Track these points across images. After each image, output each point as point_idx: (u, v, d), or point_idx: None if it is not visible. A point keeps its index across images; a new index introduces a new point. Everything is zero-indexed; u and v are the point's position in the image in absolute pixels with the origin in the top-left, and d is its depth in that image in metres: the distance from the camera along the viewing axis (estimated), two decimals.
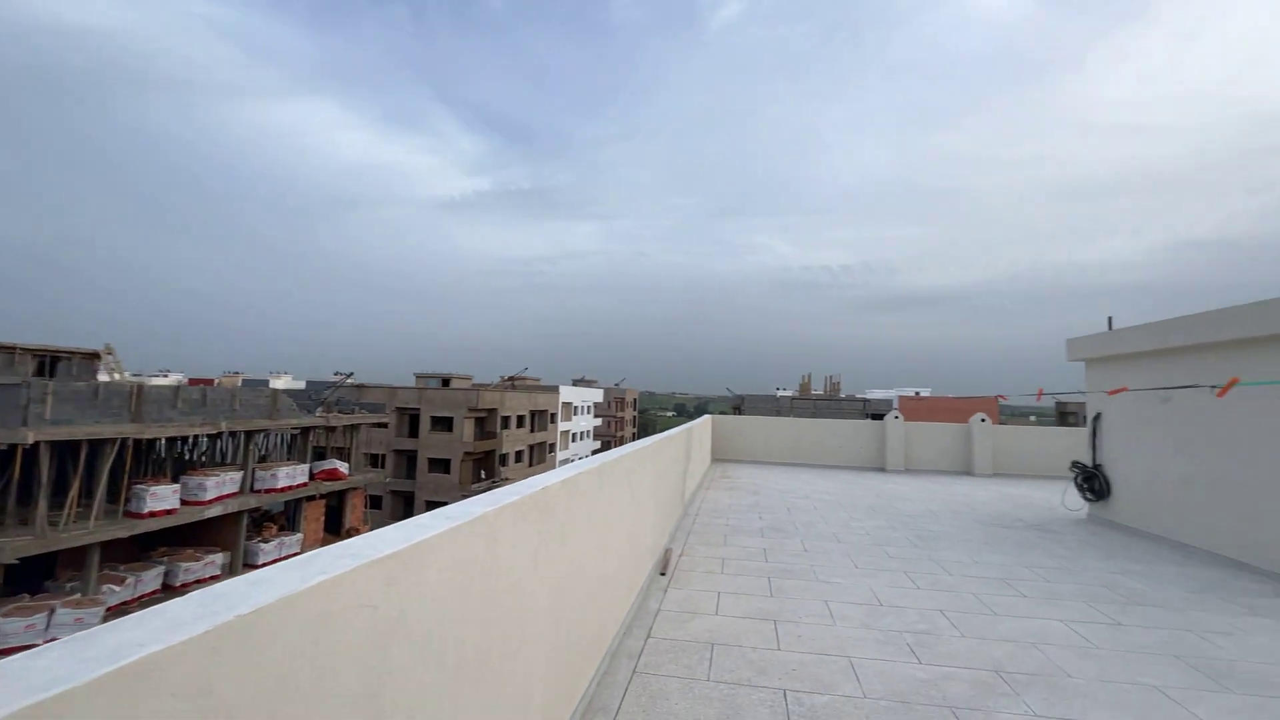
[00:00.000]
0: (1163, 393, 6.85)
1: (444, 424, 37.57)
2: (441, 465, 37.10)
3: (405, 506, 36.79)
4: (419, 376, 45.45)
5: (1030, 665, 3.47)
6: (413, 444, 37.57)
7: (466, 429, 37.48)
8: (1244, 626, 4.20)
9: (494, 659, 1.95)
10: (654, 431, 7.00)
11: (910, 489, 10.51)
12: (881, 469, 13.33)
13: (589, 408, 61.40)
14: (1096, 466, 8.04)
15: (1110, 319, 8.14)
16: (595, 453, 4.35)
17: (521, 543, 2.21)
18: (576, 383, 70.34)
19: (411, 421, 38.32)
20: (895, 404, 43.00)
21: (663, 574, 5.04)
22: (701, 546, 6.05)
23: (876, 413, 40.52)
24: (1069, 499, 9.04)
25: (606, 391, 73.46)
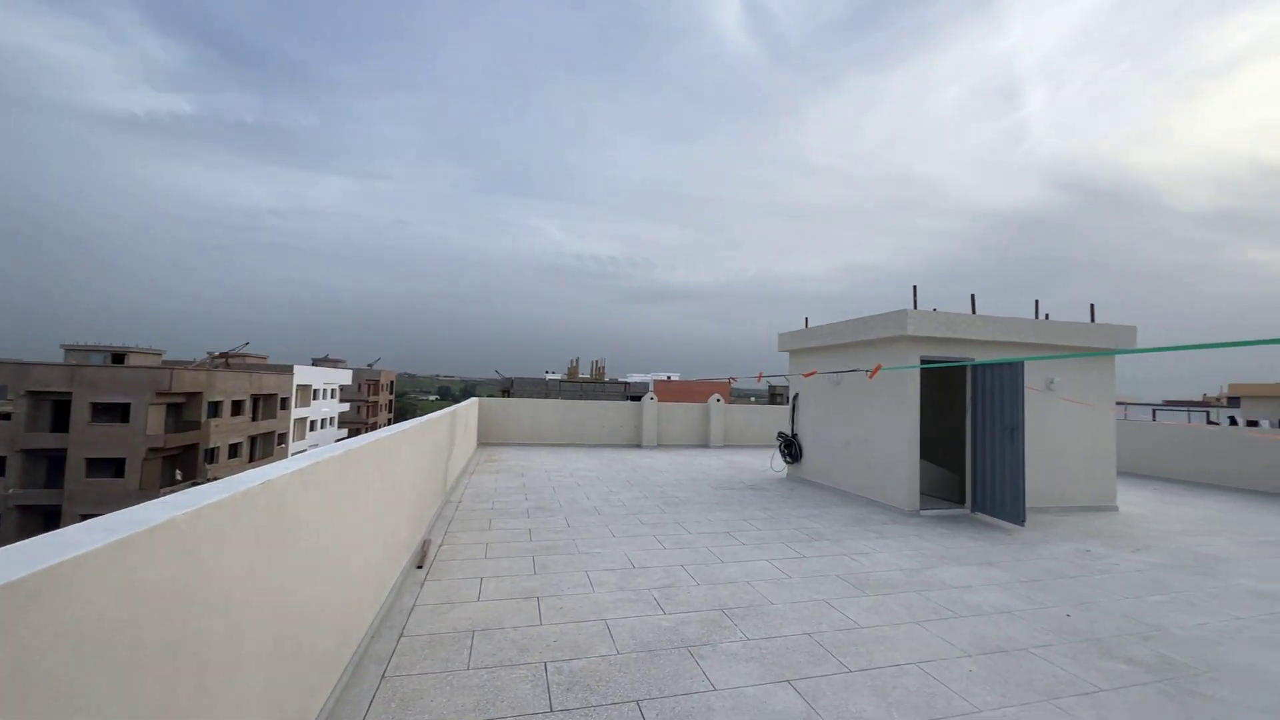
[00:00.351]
0: (834, 376, 8.96)
1: (115, 412, 28.67)
2: (110, 466, 28.32)
3: (47, 525, 27.11)
4: (70, 350, 33.82)
5: (745, 600, 4.21)
6: (58, 440, 27.82)
7: (153, 418, 29.24)
8: (876, 547, 5.77)
9: (182, 701, 1.54)
10: (414, 416, 6.44)
11: (661, 462, 11.78)
12: (639, 446, 14.63)
13: (334, 391, 53.66)
14: (794, 435, 10.15)
15: (807, 319, 10.31)
16: (342, 441, 3.78)
17: (232, 552, 1.79)
18: (318, 362, 60.76)
19: (58, 409, 28.32)
20: (651, 387, 47.72)
21: (420, 567, 4.69)
22: (464, 533, 5.81)
23: (635, 395, 44.35)
24: (775, 463, 11.23)
25: (357, 373, 65.18)
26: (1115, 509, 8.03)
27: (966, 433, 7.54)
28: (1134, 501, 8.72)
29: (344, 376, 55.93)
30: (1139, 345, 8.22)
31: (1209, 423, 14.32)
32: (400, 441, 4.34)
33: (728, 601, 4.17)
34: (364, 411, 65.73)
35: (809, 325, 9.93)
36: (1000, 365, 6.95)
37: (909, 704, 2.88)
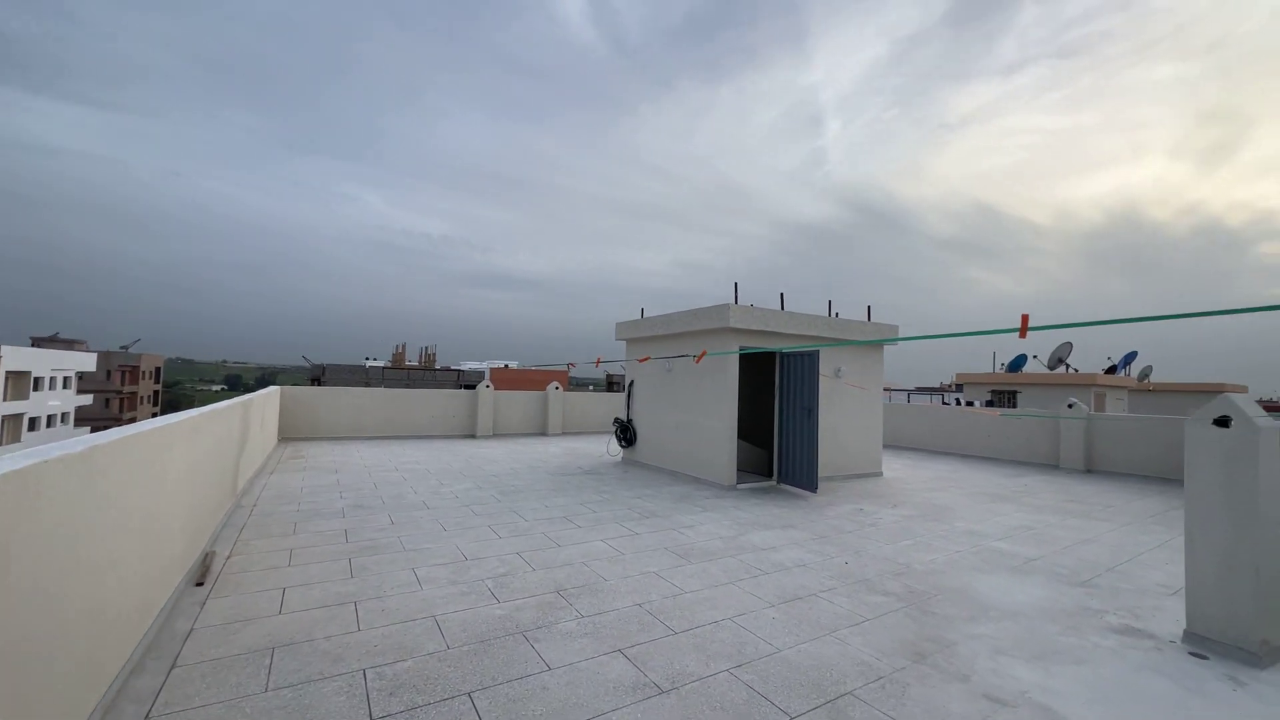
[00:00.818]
0: (666, 363, 9.54)
1: None
2: None
3: None
4: None
5: (580, 580, 4.30)
6: None
7: None
8: (700, 520, 6.30)
9: None
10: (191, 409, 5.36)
11: (498, 452, 11.44)
12: (473, 436, 14.01)
13: (68, 380, 42.31)
14: (629, 421, 10.59)
15: (643, 310, 10.80)
16: (84, 438, 3.05)
17: None
18: (41, 342, 47.43)
19: None
20: (487, 375, 45.93)
21: (200, 584, 3.95)
22: (261, 540, 5.03)
23: (469, 383, 42.32)
24: (611, 448, 11.60)
25: (105, 357, 52.32)
26: (881, 474, 9.82)
27: (775, 414, 8.59)
28: (894, 467, 10.75)
29: (83, 361, 44.33)
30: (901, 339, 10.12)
31: (943, 404, 18.19)
32: (170, 436, 3.60)
33: (564, 583, 4.22)
34: (117, 405, 53.04)
35: (644, 316, 10.41)
36: (802, 354, 8.03)
37: (724, 654, 3.22)
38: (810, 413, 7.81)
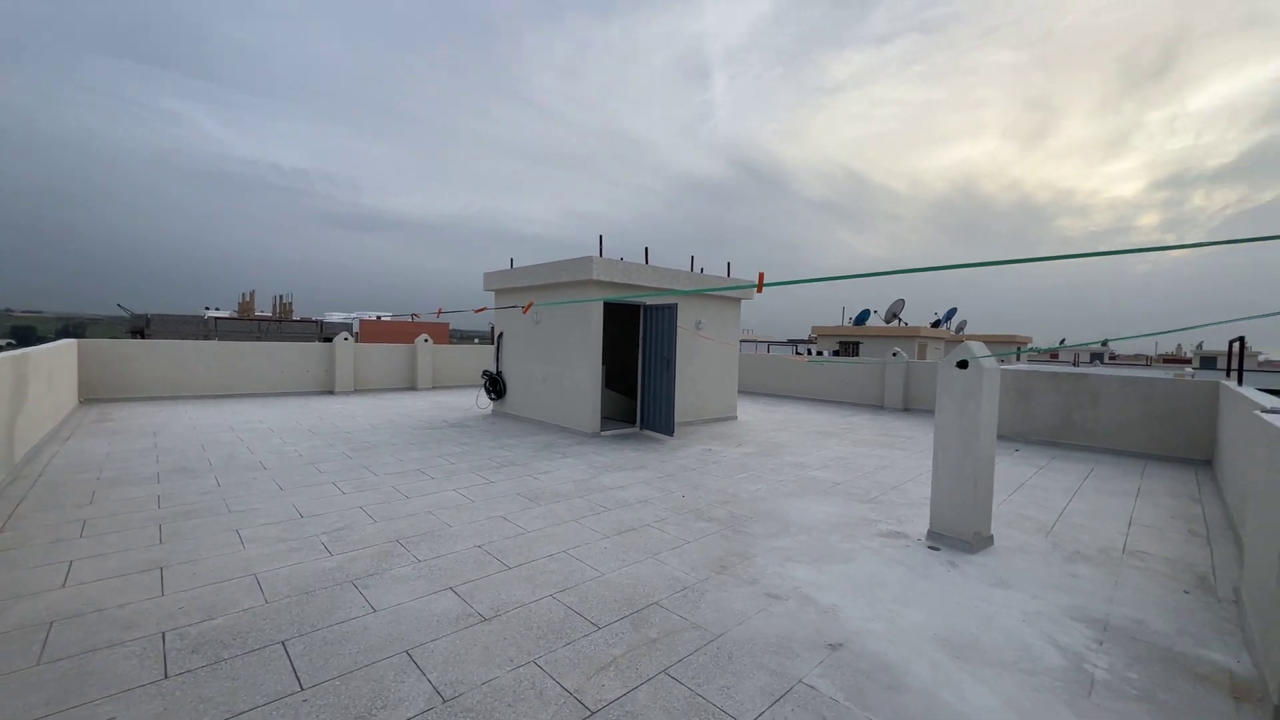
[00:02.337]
0: (535, 315, 9.53)
1: None
2: None
3: None
4: None
5: (424, 528, 4.36)
6: None
7: None
8: (558, 466, 6.56)
9: None
10: None
11: (356, 408, 10.82)
12: (331, 392, 13.07)
13: None
14: (499, 373, 10.49)
15: (512, 260, 10.56)
16: None
17: None
18: None
19: None
20: (356, 327, 42.34)
21: None
22: (45, 513, 4.45)
23: (331, 336, 38.85)
24: (481, 400, 11.47)
25: None
26: (735, 418, 10.75)
27: (638, 364, 8.99)
28: (748, 411, 11.82)
29: None
30: (761, 295, 10.93)
31: (796, 354, 20.06)
32: None
33: (405, 533, 4.25)
34: None
35: (514, 266, 10.20)
36: (661, 306, 8.42)
37: (552, 581, 3.50)
38: (669, 363, 8.29)
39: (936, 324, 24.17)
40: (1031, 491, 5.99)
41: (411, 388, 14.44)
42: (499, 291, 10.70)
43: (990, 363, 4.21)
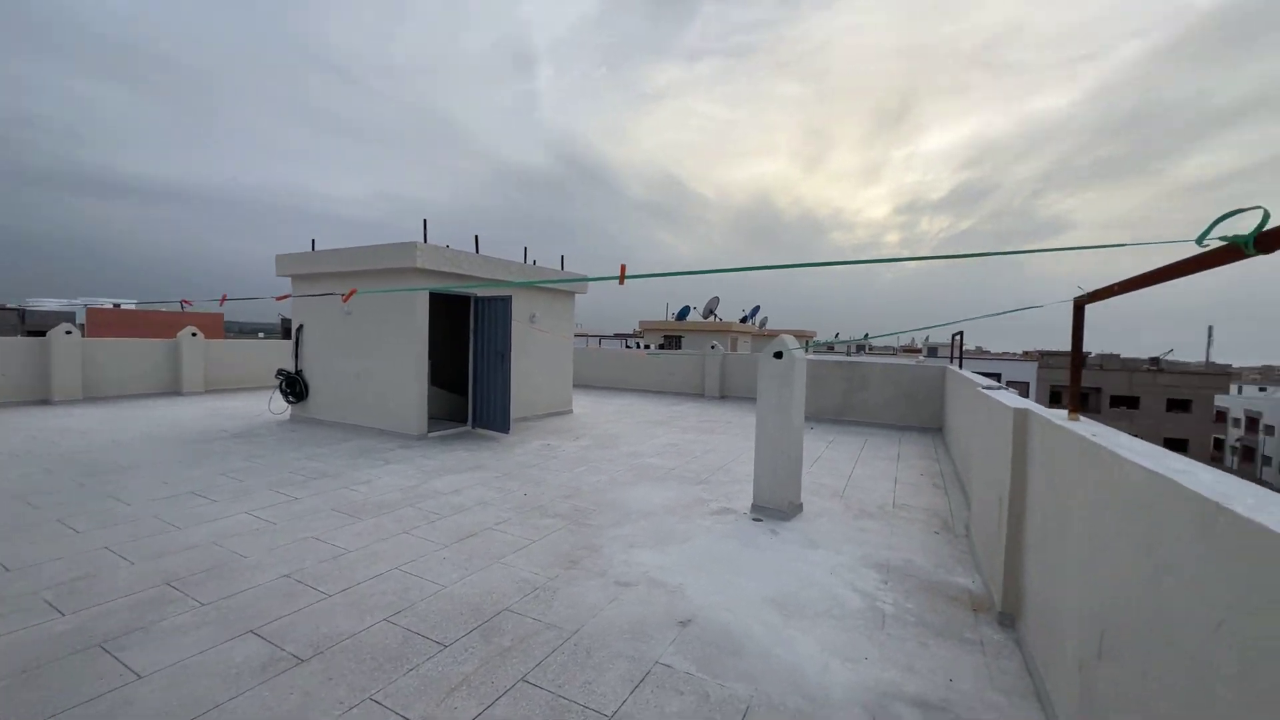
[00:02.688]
0: (346, 305, 8.42)
1: None
2: None
3: None
4: None
5: (207, 563, 3.57)
6: None
7: None
8: (380, 474, 5.89)
9: None
10: None
11: (90, 421, 8.45)
12: (46, 401, 10.02)
13: None
14: (298, 372, 9.06)
15: (314, 241, 9.17)
16: None
17: None
18: None
19: None
20: (80, 317, 33.04)
21: None
22: None
23: (44, 328, 30.02)
24: (275, 404, 9.81)
25: None
26: (571, 412, 10.79)
27: (469, 359, 8.49)
28: (582, 404, 11.94)
29: None
30: (589, 289, 11.07)
31: (625, 347, 20.88)
32: None
33: (179, 572, 3.43)
34: None
35: (316, 249, 8.88)
36: (495, 298, 8.06)
37: (384, 604, 3.12)
38: (503, 357, 7.97)
39: (745, 319, 27.11)
40: (826, 463, 7.03)
41: (175, 392, 11.76)
42: (297, 278, 9.22)
43: (800, 353, 4.82)
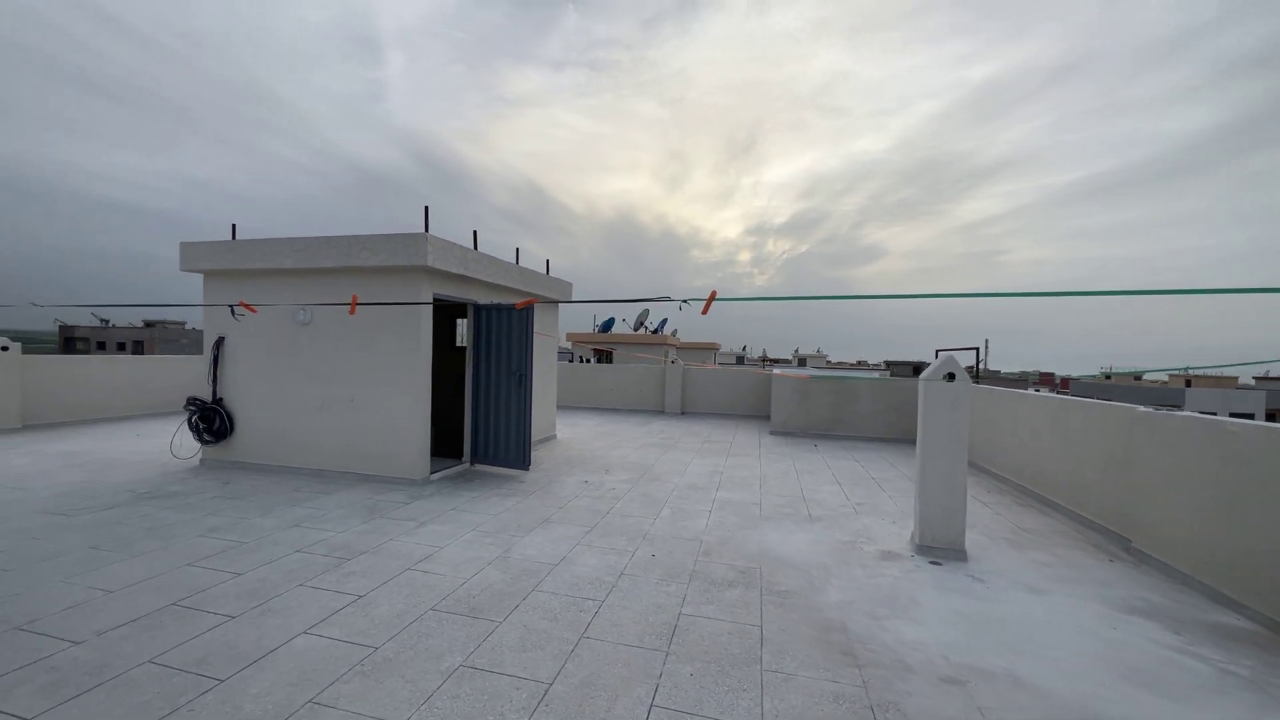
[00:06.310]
0: (303, 313, 6.42)
1: None
2: None
3: None
4: None
5: None
6: None
7: None
8: (423, 540, 4.36)
9: None
10: None
11: None
12: None
13: None
14: (218, 401, 6.73)
15: (234, 227, 6.94)
16: None
17: None
18: None
19: None
20: None
21: None
22: None
23: None
24: (181, 444, 7.25)
25: None
26: (556, 437, 9.48)
27: (468, 380, 6.96)
28: (558, 427, 10.62)
29: None
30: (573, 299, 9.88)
31: (571, 360, 19.54)
32: None
33: None
34: None
35: (239, 237, 6.70)
36: (509, 308, 6.68)
37: None
38: (522, 379, 6.61)
39: (655, 330, 27.00)
40: (882, 484, 6.78)
41: None
42: (213, 273, 6.89)
43: (965, 374, 4.42)
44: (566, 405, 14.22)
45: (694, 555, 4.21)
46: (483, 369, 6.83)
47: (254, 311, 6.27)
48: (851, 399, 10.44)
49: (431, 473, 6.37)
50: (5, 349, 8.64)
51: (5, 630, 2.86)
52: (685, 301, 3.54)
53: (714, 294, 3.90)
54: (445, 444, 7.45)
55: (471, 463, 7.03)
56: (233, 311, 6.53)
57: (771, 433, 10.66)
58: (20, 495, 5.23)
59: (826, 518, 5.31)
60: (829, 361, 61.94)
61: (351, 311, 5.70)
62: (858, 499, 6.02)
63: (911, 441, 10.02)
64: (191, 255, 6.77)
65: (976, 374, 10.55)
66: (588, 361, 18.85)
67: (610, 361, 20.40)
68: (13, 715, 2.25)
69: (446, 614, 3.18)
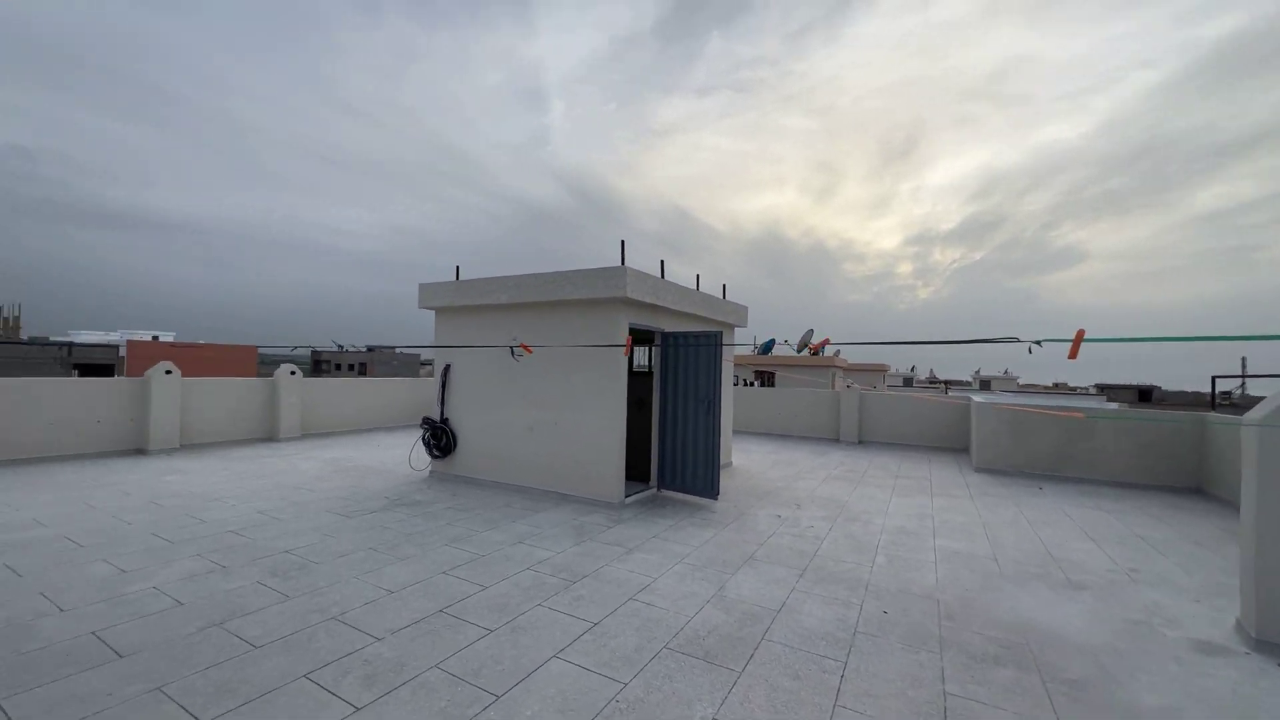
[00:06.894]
0: (508, 347, 7.10)
1: None
2: None
3: None
4: None
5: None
6: None
7: None
8: (641, 569, 4.42)
9: None
10: None
11: (204, 478, 7.12)
12: (143, 451, 8.76)
13: None
14: (444, 421, 7.70)
15: (458, 269, 7.95)
16: None
17: None
18: None
19: None
20: (123, 350, 32.36)
21: None
22: None
23: (91, 361, 29.43)
24: (416, 457, 8.45)
25: None
26: (732, 464, 9.29)
27: (655, 407, 7.09)
28: (732, 454, 10.43)
29: None
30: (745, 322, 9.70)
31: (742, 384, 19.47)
32: None
33: None
34: None
35: (462, 278, 7.63)
36: (698, 335, 6.69)
37: None
38: (710, 405, 6.55)
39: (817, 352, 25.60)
40: (1150, 545, 5.45)
41: (270, 438, 10.47)
42: (442, 310, 7.96)
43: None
44: (734, 430, 13.97)
45: (934, 618, 3.70)
46: (669, 395, 6.92)
47: (530, 351, 6.73)
48: (1086, 434, 8.73)
49: (625, 496, 6.56)
50: (294, 373, 10.88)
51: (326, 619, 3.41)
52: (1036, 343, 3.10)
53: (1081, 333, 3.08)
54: (630, 467, 7.66)
55: (659, 488, 7.12)
56: (512, 352, 7.11)
57: (976, 469, 9.33)
58: (311, 496, 6.41)
59: (1094, 585, 4.37)
60: (1019, 385, 53.59)
61: (528, 352, 6.14)
62: (1128, 563, 4.90)
63: (1170, 488, 8.06)
64: (428, 294, 7.89)
65: (1231, 401, 8.19)
66: (750, 385, 18.45)
67: (771, 384, 19.76)
68: (345, 700, 2.62)
69: (682, 655, 3.13)
